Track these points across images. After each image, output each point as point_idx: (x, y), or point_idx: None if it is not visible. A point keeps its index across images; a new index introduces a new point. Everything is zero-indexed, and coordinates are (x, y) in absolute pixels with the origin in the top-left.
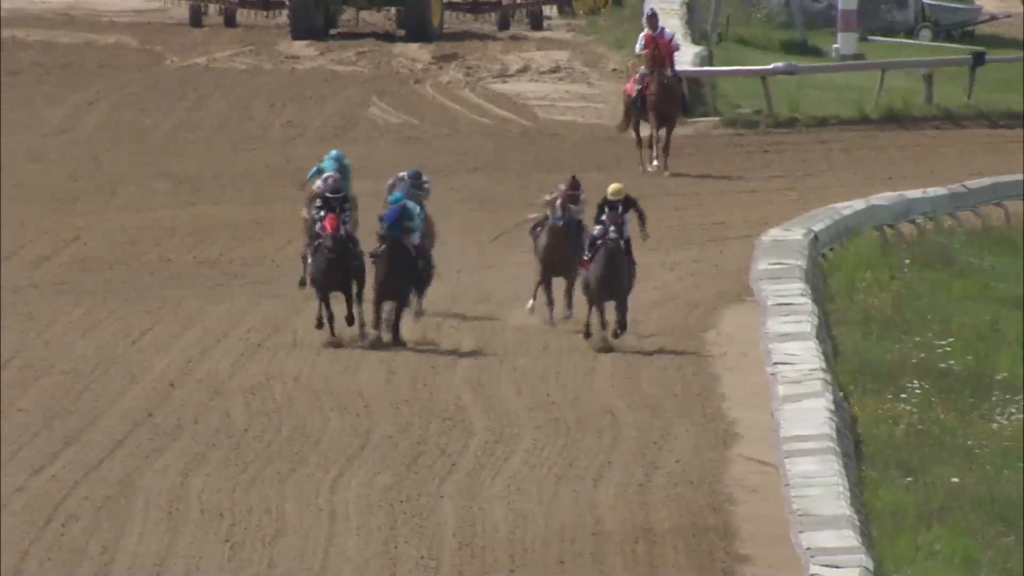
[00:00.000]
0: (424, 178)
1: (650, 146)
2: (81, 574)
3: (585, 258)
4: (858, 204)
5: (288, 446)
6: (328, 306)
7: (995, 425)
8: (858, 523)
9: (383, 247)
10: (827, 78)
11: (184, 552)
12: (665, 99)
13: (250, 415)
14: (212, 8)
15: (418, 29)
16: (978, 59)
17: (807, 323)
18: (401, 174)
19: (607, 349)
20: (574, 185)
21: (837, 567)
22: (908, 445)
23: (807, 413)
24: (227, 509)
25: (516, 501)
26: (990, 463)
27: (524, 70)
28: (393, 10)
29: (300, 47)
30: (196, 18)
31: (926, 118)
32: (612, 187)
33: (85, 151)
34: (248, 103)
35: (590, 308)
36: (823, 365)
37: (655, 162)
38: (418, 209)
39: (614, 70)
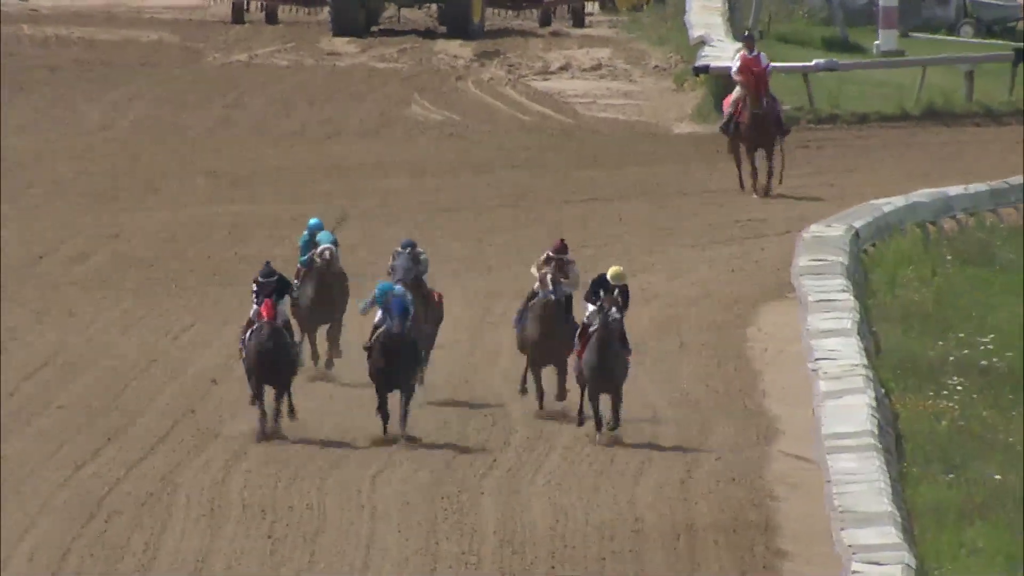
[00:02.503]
0: (419, 249)
1: (751, 172)
2: (123, 571)
3: (576, 345)
4: (899, 200)
5: (329, 443)
6: (261, 400)
7: None
8: (900, 520)
9: (381, 335)
10: (868, 74)
11: (225, 549)
12: (756, 131)
13: None
14: (254, 5)
15: (459, 26)
16: (1020, 56)
17: (848, 319)
18: (397, 248)
19: (610, 443)
20: (561, 248)
21: (879, 564)
22: (949, 442)
23: (848, 409)
24: (268, 506)
25: (556, 497)
26: None
27: (565, 67)
28: (434, 7)
29: (341, 44)
30: (238, 15)
31: (967, 115)
32: (612, 270)
33: (125, 148)
34: (288, 100)
35: (582, 397)
36: (864, 361)
37: (756, 191)
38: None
39: (656, 67)
